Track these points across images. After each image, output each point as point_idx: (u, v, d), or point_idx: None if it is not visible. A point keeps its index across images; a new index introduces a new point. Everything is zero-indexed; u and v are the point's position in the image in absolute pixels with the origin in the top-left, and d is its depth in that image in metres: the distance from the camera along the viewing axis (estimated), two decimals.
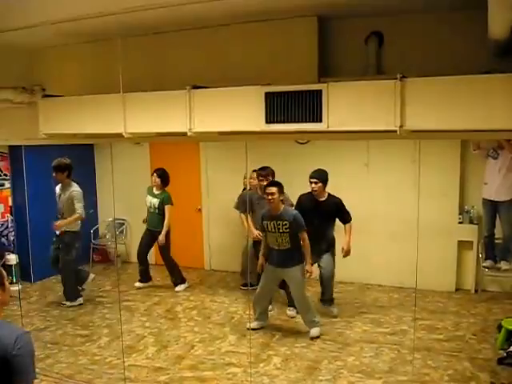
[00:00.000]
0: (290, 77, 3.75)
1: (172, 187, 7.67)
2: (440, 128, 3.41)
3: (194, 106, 3.94)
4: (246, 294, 6.95)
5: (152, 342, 5.83)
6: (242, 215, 6.94)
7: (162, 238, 7.36)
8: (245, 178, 7.15)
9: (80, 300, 7.05)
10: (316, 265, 6.21)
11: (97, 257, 8.96)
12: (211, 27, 4.08)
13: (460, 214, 7.12)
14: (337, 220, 6.29)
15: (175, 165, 8.41)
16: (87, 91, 4.46)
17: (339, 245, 6.21)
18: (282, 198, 5.70)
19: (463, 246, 7.15)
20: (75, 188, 6.82)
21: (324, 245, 6.23)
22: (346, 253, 6.13)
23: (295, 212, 5.75)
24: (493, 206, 6.60)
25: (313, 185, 6.18)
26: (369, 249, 7.19)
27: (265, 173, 6.63)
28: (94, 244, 8.82)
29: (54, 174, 6.76)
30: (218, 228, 8.31)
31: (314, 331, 5.80)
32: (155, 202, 7.43)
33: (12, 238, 7.86)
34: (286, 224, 5.62)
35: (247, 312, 6.45)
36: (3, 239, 7.85)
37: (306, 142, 7.37)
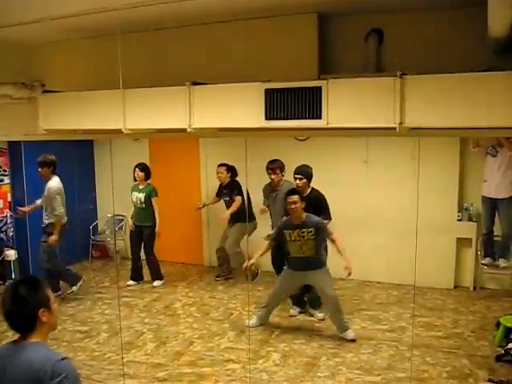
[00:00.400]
0: (289, 73, 3.74)
1: (172, 184, 7.68)
2: (439, 125, 3.41)
3: (193, 102, 3.94)
4: (245, 290, 6.96)
5: (151, 338, 5.84)
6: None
7: (158, 230, 7.43)
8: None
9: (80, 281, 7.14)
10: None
11: (96, 253, 8.97)
12: (211, 23, 4.08)
13: (459, 211, 7.12)
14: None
15: (175, 161, 8.43)
16: (87, 87, 4.46)
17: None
18: (303, 206, 5.58)
19: (462, 243, 7.15)
20: (54, 184, 6.77)
21: None
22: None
23: (318, 219, 5.66)
24: (492, 204, 6.60)
25: (297, 181, 6.14)
26: (368, 246, 7.20)
27: (273, 166, 6.64)
28: (93, 240, 8.83)
29: (38, 170, 6.77)
30: (217, 224, 8.30)
31: (351, 333, 5.65)
32: (141, 196, 7.46)
33: (11, 234, 7.86)
34: (311, 231, 5.55)
35: (246, 308, 6.46)
36: (2, 235, 7.85)
37: (305, 139, 7.37)
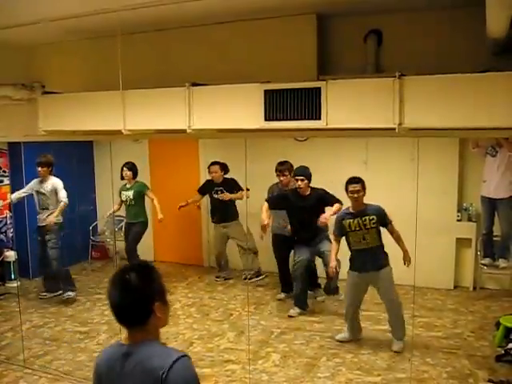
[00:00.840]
0: (289, 74, 3.75)
1: (171, 184, 7.68)
2: (438, 126, 3.41)
3: (193, 103, 3.95)
4: (245, 291, 6.96)
5: None
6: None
7: (160, 216, 7.41)
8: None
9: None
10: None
11: (96, 253, 8.96)
12: (211, 25, 4.09)
13: (458, 211, 7.12)
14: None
15: (174, 162, 8.43)
16: (87, 88, 4.46)
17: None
18: (364, 195, 5.43)
19: (462, 243, 7.16)
20: (57, 179, 6.97)
21: (316, 237, 6.32)
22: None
23: (378, 205, 5.52)
24: (491, 204, 6.60)
25: (299, 182, 6.19)
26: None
27: (282, 168, 6.69)
28: (92, 241, 8.83)
29: (39, 169, 6.83)
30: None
31: (399, 345, 5.40)
32: (130, 193, 7.51)
33: (11, 235, 7.87)
34: (373, 219, 5.39)
35: (246, 309, 6.46)
36: (2, 236, 7.86)
37: (304, 140, 7.37)
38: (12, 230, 7.80)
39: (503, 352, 5.10)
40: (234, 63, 4.09)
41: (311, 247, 6.33)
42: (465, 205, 7.13)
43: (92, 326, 6.27)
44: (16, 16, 3.64)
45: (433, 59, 3.66)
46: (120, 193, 7.58)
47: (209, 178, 7.64)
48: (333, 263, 5.71)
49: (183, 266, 7.82)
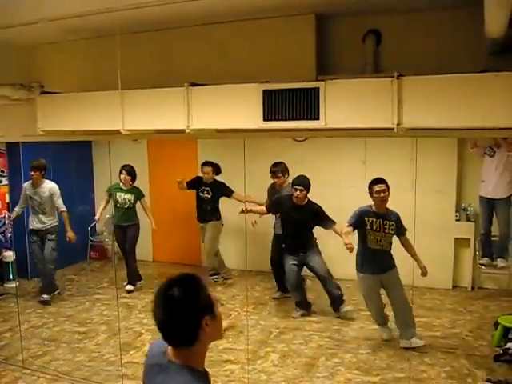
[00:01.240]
0: (287, 74, 3.75)
1: (170, 185, 7.67)
2: (437, 126, 3.41)
3: (191, 103, 3.94)
4: (244, 291, 6.97)
5: (150, 339, 5.83)
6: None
7: (154, 224, 7.51)
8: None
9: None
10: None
11: (94, 254, 8.96)
12: (209, 24, 4.08)
13: (457, 211, 7.14)
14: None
15: (173, 162, 8.43)
16: (86, 88, 4.46)
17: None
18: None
19: (460, 243, 7.17)
20: (53, 184, 7.01)
21: (305, 249, 6.32)
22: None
23: (396, 212, 5.46)
24: (489, 204, 6.62)
25: (297, 192, 6.13)
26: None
27: (275, 169, 6.70)
28: (91, 241, 8.83)
29: (32, 173, 6.85)
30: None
31: (417, 341, 5.37)
32: (129, 197, 7.42)
33: (9, 235, 7.86)
34: (392, 225, 5.36)
35: (245, 309, 6.46)
36: (0, 236, 7.85)
37: (303, 140, 7.37)
38: (10, 230, 7.79)
39: (501, 352, 5.11)
40: (233, 63, 4.08)
41: (298, 257, 6.30)
42: (463, 205, 7.14)
43: (91, 326, 6.27)
44: (14, 16, 3.63)
45: (431, 59, 3.66)
46: (112, 193, 7.46)
47: (200, 174, 7.66)
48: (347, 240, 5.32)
49: (182, 266, 7.81)
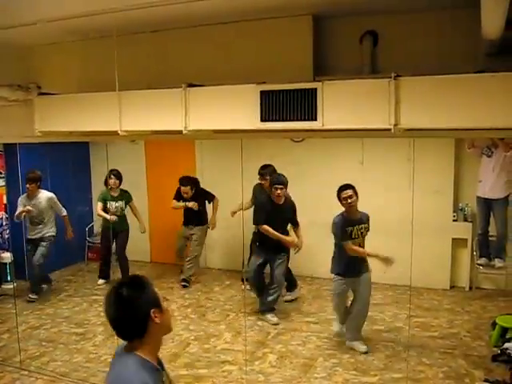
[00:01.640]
0: (285, 75, 3.75)
1: (168, 186, 7.68)
2: (434, 126, 3.42)
3: (189, 104, 3.94)
4: (242, 292, 6.97)
5: None
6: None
7: (143, 228, 7.72)
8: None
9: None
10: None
11: (92, 254, 8.94)
12: (206, 25, 4.08)
13: (454, 211, 7.15)
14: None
15: (170, 163, 8.42)
16: (83, 89, 4.45)
17: None
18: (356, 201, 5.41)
19: (457, 243, 7.18)
20: (50, 193, 7.15)
21: (281, 247, 6.32)
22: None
23: (366, 213, 5.51)
24: (487, 204, 6.63)
25: (278, 191, 6.12)
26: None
27: (264, 172, 6.71)
28: (88, 242, 8.83)
29: (27, 186, 6.91)
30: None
31: (363, 347, 5.43)
32: (120, 204, 7.54)
33: (6, 236, 7.85)
34: (366, 227, 5.42)
35: (242, 310, 6.47)
36: None
37: (301, 140, 7.38)
38: (8, 231, 7.79)
39: (499, 352, 5.12)
40: (230, 64, 4.08)
41: (271, 256, 6.30)
42: (460, 205, 7.16)
43: (88, 328, 6.27)
44: (12, 16, 3.62)
45: (429, 60, 3.67)
46: (104, 202, 7.52)
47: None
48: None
49: (179, 267, 7.81)
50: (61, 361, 5.39)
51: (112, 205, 7.48)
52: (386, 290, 7.15)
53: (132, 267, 7.68)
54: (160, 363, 2.18)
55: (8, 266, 7.58)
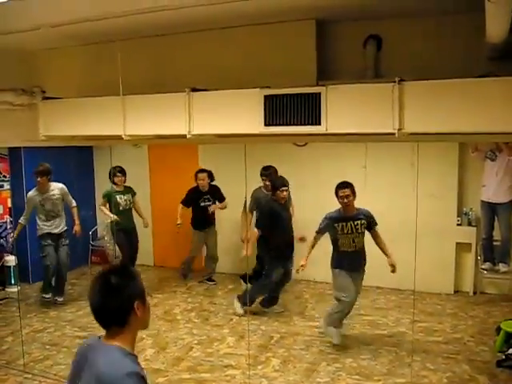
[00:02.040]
0: (288, 80, 3.75)
1: (171, 190, 7.68)
2: (438, 131, 3.42)
3: (193, 108, 3.95)
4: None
5: (150, 343, 5.84)
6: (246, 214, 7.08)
7: (146, 223, 7.72)
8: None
9: None
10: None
11: (95, 258, 8.96)
12: (210, 30, 4.09)
13: (458, 216, 7.14)
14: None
15: (174, 167, 8.44)
16: (87, 93, 4.46)
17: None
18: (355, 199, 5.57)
19: (462, 248, 7.16)
20: (60, 184, 7.10)
21: (290, 248, 6.45)
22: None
23: (367, 209, 5.67)
24: (491, 208, 6.62)
25: (284, 193, 6.24)
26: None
27: (267, 173, 6.73)
28: (92, 245, 8.83)
29: (39, 179, 6.86)
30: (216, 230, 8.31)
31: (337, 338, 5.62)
32: (128, 197, 7.58)
33: (11, 240, 7.87)
34: (364, 223, 5.55)
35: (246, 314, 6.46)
36: (2, 240, 7.86)
37: (304, 145, 7.37)
38: (12, 234, 7.80)
39: (504, 357, 5.10)
40: (234, 69, 4.09)
41: (282, 259, 6.42)
42: (465, 209, 7.14)
43: (92, 331, 6.25)
44: (16, 22, 3.64)
45: (432, 64, 3.67)
46: (110, 197, 7.45)
47: (194, 185, 7.73)
48: (304, 262, 5.74)
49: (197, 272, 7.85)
50: (64, 364, 5.39)
51: (121, 198, 7.49)
52: (389, 295, 7.13)
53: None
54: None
55: (12, 270, 7.60)
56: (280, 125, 3.70)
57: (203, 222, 7.72)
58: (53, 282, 7.22)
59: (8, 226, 7.86)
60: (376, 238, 5.67)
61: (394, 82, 3.35)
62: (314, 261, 6.91)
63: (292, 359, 5.41)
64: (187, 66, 4.27)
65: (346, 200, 5.45)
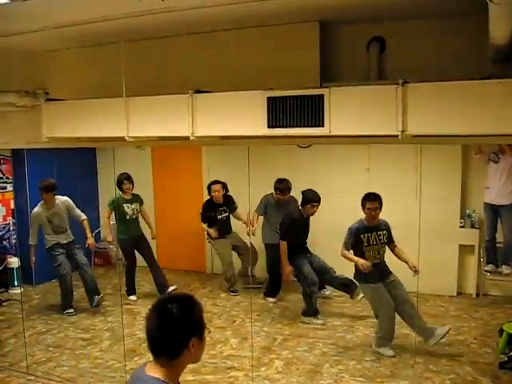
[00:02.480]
0: (292, 81, 3.76)
1: (174, 191, 7.68)
2: (441, 133, 3.42)
3: (196, 110, 3.95)
4: (248, 298, 6.95)
5: None
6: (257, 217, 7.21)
7: (154, 233, 7.66)
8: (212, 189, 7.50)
9: None
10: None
11: (98, 260, 8.98)
12: (213, 32, 4.09)
13: (461, 218, 7.13)
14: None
15: (177, 169, 8.45)
16: (91, 95, 4.47)
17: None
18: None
19: (465, 250, 7.16)
20: (65, 197, 6.98)
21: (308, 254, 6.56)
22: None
23: (385, 220, 5.60)
24: (494, 210, 6.60)
25: (315, 208, 6.32)
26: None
27: (282, 187, 6.81)
28: (95, 247, 8.81)
29: (44, 196, 6.74)
30: None
31: (435, 340, 5.32)
32: (136, 206, 7.45)
33: (14, 241, 7.88)
34: (385, 234, 5.48)
35: (249, 316, 6.46)
36: (5, 242, 7.87)
37: (307, 146, 7.37)
38: (15, 236, 7.81)
39: (506, 359, 5.09)
40: (237, 70, 4.09)
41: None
42: (468, 211, 7.13)
43: (95, 333, 6.27)
44: (19, 23, 3.65)
45: (435, 66, 3.67)
46: (117, 206, 7.29)
47: (207, 198, 7.66)
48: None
49: (186, 272, 7.83)
50: (67, 366, 5.40)
51: (129, 207, 7.37)
52: None
53: (139, 273, 7.67)
54: None
55: (15, 271, 7.61)
56: (283, 127, 3.70)
57: (224, 229, 7.66)
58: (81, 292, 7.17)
59: (11, 228, 7.87)
60: (396, 251, 5.57)
61: (398, 83, 3.36)
62: None
63: (295, 361, 5.40)
64: (190, 68, 4.28)
65: (373, 213, 5.38)
